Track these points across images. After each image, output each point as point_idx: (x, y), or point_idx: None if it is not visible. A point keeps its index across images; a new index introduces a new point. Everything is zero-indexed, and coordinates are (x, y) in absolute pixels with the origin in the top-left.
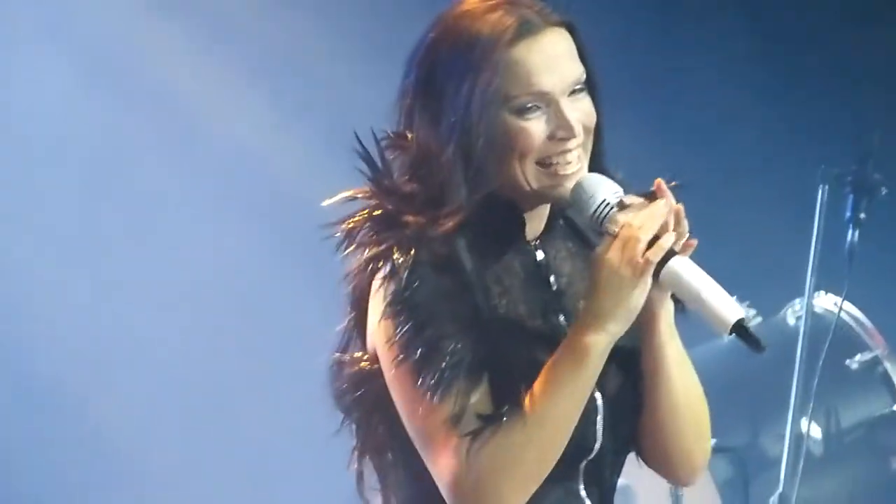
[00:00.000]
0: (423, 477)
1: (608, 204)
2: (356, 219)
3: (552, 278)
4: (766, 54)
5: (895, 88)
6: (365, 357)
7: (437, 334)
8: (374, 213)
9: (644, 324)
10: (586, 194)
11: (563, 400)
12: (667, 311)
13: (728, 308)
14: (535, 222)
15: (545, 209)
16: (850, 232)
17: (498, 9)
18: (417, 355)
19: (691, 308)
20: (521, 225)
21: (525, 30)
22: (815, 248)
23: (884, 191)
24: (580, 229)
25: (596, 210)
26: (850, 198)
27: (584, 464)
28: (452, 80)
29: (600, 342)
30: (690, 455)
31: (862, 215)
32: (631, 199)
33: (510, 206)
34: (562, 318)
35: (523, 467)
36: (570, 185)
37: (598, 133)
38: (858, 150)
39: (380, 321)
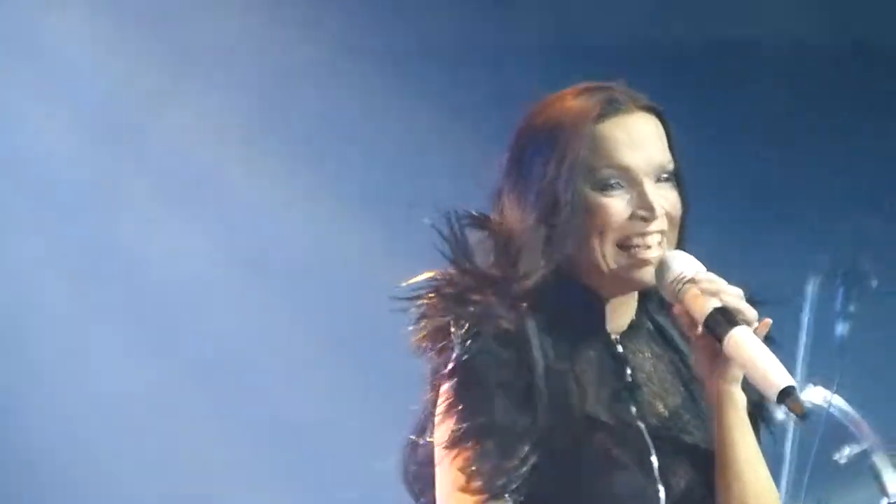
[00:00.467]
0: None
1: (685, 277)
2: (427, 296)
3: (628, 370)
4: (754, 142)
5: (885, 180)
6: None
7: (490, 422)
8: (445, 291)
9: (725, 398)
10: (668, 267)
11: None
12: (737, 398)
13: (780, 375)
14: (619, 317)
15: (631, 305)
16: (840, 325)
17: (588, 91)
18: (470, 447)
19: (746, 373)
20: (602, 315)
21: (613, 108)
22: (805, 341)
23: (874, 283)
24: (667, 333)
25: (674, 280)
26: (841, 290)
27: None
28: (540, 156)
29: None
30: None
31: (852, 308)
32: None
33: (592, 294)
34: (634, 409)
35: None
36: (650, 270)
37: (682, 226)
38: (850, 242)
39: (439, 388)
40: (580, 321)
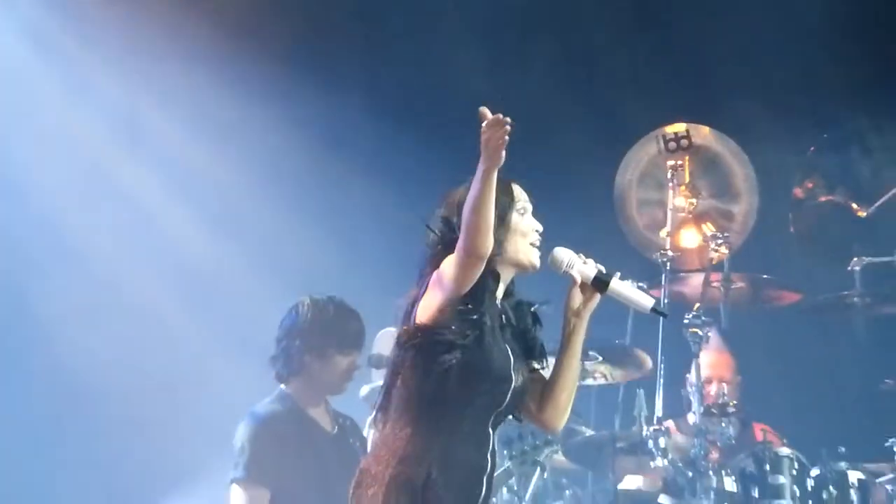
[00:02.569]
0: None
1: (571, 265)
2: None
3: (503, 316)
4: None
5: None
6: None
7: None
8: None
9: (579, 321)
10: (559, 257)
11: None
12: (586, 323)
13: (646, 299)
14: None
15: (505, 284)
16: None
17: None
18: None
19: (627, 304)
20: (497, 288)
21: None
22: None
23: None
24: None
25: (567, 263)
26: None
27: (493, 415)
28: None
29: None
30: (565, 410)
31: None
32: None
33: (497, 276)
34: (506, 333)
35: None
36: (538, 257)
37: None
38: None
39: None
40: (492, 290)
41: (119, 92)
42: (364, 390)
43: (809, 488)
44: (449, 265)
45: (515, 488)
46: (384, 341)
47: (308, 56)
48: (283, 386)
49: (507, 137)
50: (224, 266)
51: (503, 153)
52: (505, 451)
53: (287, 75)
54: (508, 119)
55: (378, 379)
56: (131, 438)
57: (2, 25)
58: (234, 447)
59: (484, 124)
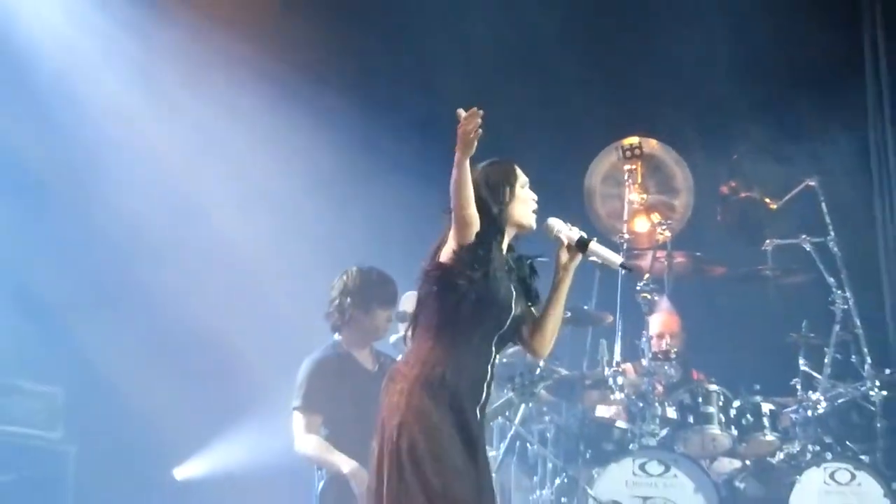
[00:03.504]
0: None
1: (560, 230)
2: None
3: (506, 262)
4: None
5: None
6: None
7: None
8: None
9: (566, 273)
10: (552, 225)
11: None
12: (571, 275)
13: (616, 257)
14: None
15: (509, 239)
16: None
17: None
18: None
19: (601, 261)
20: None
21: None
22: None
23: None
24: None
25: (557, 230)
26: None
27: (495, 336)
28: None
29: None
30: (550, 340)
31: None
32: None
33: (502, 235)
34: (511, 276)
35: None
36: (534, 220)
37: None
38: None
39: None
40: (498, 242)
41: (204, 112)
42: (392, 338)
43: (732, 416)
44: (453, 225)
45: (507, 415)
46: (407, 302)
47: (344, 80)
48: (336, 336)
49: (479, 130)
50: (288, 250)
51: (475, 143)
52: (508, 385)
53: (331, 96)
54: (482, 112)
55: (402, 331)
56: (222, 378)
57: (117, 64)
58: (294, 384)
59: (462, 118)
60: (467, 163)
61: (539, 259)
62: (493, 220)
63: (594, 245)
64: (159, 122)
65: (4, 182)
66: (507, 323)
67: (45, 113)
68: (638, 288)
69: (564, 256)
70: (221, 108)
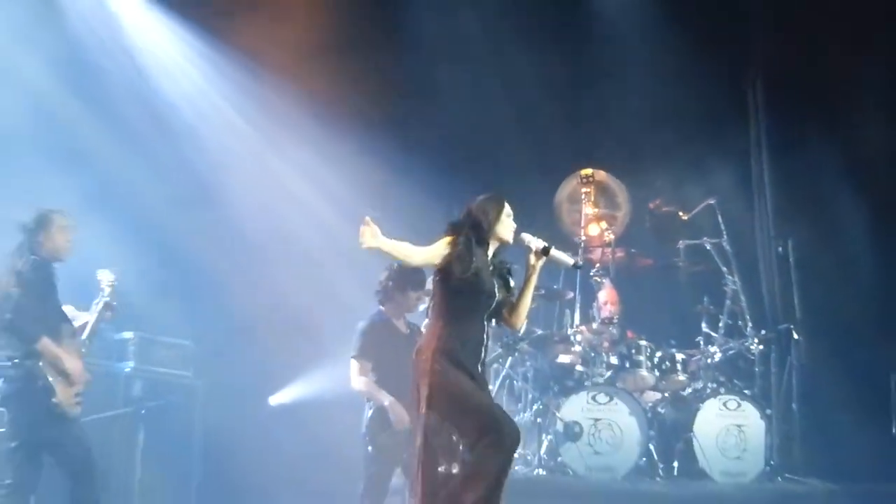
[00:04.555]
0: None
1: (530, 241)
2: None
3: (489, 266)
4: None
5: None
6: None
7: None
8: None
9: (533, 271)
10: (523, 237)
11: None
12: (538, 273)
13: (570, 259)
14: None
15: (493, 249)
16: None
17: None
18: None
19: (558, 263)
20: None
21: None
22: None
23: None
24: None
25: (528, 241)
26: None
27: (485, 314)
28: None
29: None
30: (522, 318)
31: None
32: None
33: (487, 243)
34: (493, 275)
35: None
36: (511, 236)
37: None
38: None
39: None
40: (483, 251)
41: (296, 149)
42: (421, 307)
43: (655, 362)
44: (430, 251)
45: (500, 362)
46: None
47: (387, 117)
48: (381, 307)
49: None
50: (349, 248)
51: (372, 242)
52: (498, 343)
53: (375, 127)
54: (368, 219)
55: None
56: (303, 335)
57: (231, 114)
58: (352, 339)
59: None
60: (387, 243)
61: (513, 266)
62: (483, 235)
63: (554, 251)
64: (267, 157)
65: (167, 190)
66: (493, 306)
67: (184, 150)
68: (591, 274)
69: (533, 259)
70: (307, 144)
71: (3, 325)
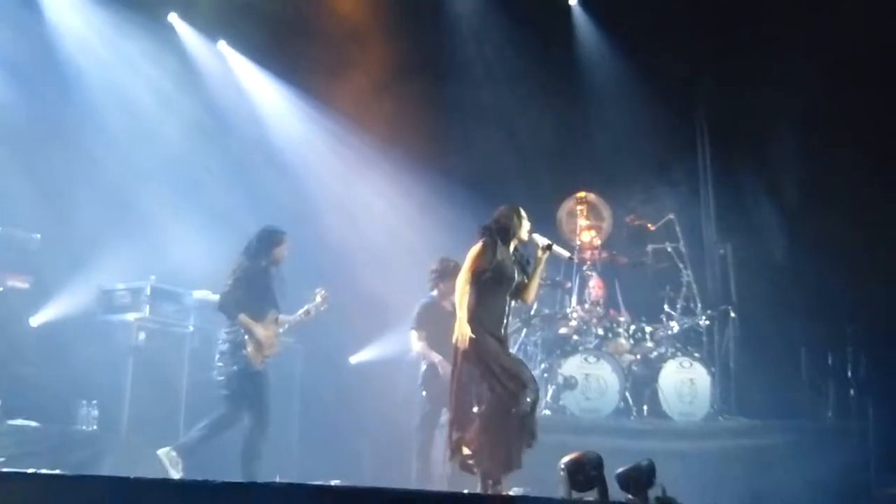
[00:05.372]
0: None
1: (538, 240)
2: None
3: (512, 257)
4: None
5: None
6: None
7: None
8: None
9: (539, 262)
10: (534, 238)
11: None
12: (543, 264)
13: (565, 253)
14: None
15: (515, 245)
16: None
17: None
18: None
19: (556, 256)
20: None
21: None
22: None
23: None
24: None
25: (537, 238)
26: None
27: (508, 293)
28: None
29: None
30: (533, 296)
31: None
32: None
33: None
34: (515, 266)
35: None
36: (528, 236)
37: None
38: None
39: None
40: (506, 247)
41: (371, 181)
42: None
43: (630, 333)
44: (466, 263)
45: (518, 332)
46: None
47: (418, 147)
48: (433, 292)
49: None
50: (412, 247)
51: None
52: (518, 319)
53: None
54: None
55: None
56: (376, 311)
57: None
58: (411, 316)
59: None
60: (463, 311)
61: (528, 258)
62: (508, 235)
63: (555, 248)
64: (350, 181)
65: (275, 212)
66: (513, 286)
67: (289, 180)
68: (584, 268)
69: (540, 253)
70: (377, 171)
71: (216, 306)
